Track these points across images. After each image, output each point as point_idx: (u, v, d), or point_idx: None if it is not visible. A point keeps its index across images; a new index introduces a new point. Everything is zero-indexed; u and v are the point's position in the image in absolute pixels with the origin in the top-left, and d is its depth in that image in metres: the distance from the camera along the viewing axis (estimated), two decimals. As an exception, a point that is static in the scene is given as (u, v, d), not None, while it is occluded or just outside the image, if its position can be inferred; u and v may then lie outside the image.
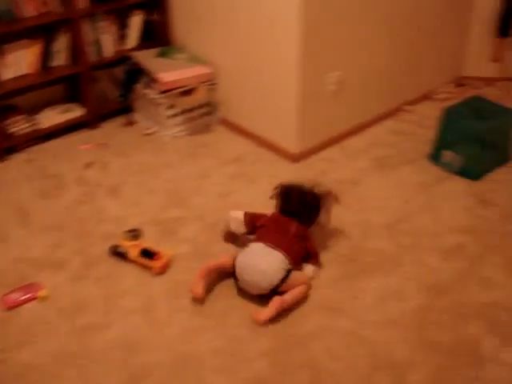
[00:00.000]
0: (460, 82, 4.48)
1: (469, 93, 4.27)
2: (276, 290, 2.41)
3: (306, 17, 2.97)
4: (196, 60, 3.72)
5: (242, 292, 2.50)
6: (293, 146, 3.37)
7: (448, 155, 3.34)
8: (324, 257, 2.70)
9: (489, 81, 4.54)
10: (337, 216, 2.84)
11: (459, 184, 3.26)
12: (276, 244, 2.48)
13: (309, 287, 2.52)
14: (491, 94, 4.31)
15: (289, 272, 2.43)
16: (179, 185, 3.23)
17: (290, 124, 3.31)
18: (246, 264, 2.45)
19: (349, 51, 3.35)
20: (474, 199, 3.14)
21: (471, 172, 3.29)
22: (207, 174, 3.31)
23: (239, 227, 2.71)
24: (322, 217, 2.72)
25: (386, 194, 3.17)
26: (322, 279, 2.59)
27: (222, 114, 3.80)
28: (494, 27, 4.27)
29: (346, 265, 2.67)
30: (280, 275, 2.41)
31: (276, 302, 2.35)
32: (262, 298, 2.42)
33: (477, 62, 4.50)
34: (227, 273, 2.54)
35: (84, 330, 2.34)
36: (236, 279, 2.49)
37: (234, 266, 2.47)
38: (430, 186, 3.23)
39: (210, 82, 3.69)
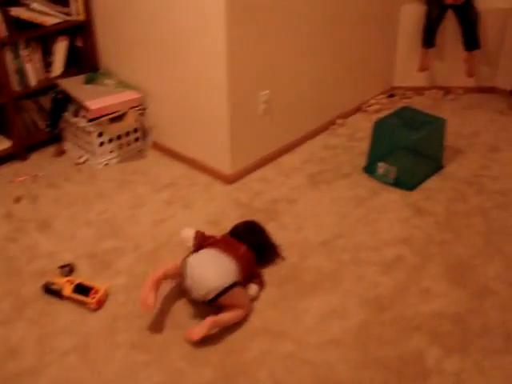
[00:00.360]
0: (391, 93, 4.54)
1: (399, 103, 4.35)
2: (217, 300, 2.37)
3: (231, 37, 2.94)
4: (124, 85, 3.65)
5: (182, 317, 2.44)
6: (227, 168, 3.33)
7: (382, 167, 3.36)
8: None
9: (418, 90, 4.62)
10: (274, 235, 2.84)
11: (395, 195, 3.28)
12: (229, 253, 2.50)
13: (250, 310, 2.48)
14: (421, 102, 4.40)
15: (236, 283, 2.41)
16: (113, 215, 3.14)
17: (222, 145, 3.27)
18: (199, 261, 2.45)
19: (276, 69, 3.34)
20: (409, 209, 3.16)
21: (406, 182, 3.32)
22: (142, 202, 3.24)
23: (188, 244, 2.68)
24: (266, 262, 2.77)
25: (323, 210, 3.15)
26: (263, 302, 2.54)
27: (154, 139, 3.74)
28: (420, 38, 4.36)
29: (285, 286, 2.63)
30: (229, 281, 2.38)
31: (208, 322, 2.30)
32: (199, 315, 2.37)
33: (406, 72, 4.57)
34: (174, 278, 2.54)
35: (17, 376, 2.22)
36: (182, 283, 2.44)
37: (182, 268, 2.43)
38: (366, 200, 3.24)
39: (140, 106, 3.62)
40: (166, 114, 3.56)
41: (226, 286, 2.36)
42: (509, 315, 2.48)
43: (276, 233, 2.90)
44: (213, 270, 2.40)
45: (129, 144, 3.68)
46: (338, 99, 4.00)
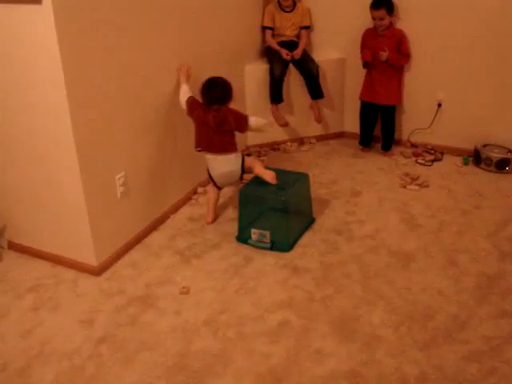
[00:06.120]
0: (247, 152, 4.56)
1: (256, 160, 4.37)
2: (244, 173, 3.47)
3: (78, 126, 2.81)
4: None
5: None
6: (92, 259, 3.13)
7: (256, 233, 3.31)
8: (149, 373, 2.48)
9: (272, 145, 4.70)
10: (153, 323, 2.68)
11: (269, 258, 3.24)
12: (220, 150, 3.40)
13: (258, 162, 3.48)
14: (278, 157, 4.49)
15: (242, 160, 3.44)
16: (-27, 333, 2.83)
17: (83, 237, 3.09)
18: (220, 173, 3.48)
19: (129, 148, 3.24)
20: (286, 270, 3.13)
21: (283, 244, 3.30)
22: (3, 313, 2.92)
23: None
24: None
25: (200, 286, 3.03)
26: (154, 401, 2.37)
27: (9, 238, 3.46)
28: (267, 95, 4.44)
29: (174, 378, 2.45)
30: (238, 167, 3.43)
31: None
32: None
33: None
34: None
35: None
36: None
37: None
38: (241, 268, 3.17)
39: (-12, 207, 3.37)
40: (19, 211, 3.31)
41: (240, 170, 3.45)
42: (401, 359, 2.49)
43: (155, 320, 2.77)
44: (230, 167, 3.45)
45: (-19, 250, 3.39)
46: (196, 167, 3.93)
